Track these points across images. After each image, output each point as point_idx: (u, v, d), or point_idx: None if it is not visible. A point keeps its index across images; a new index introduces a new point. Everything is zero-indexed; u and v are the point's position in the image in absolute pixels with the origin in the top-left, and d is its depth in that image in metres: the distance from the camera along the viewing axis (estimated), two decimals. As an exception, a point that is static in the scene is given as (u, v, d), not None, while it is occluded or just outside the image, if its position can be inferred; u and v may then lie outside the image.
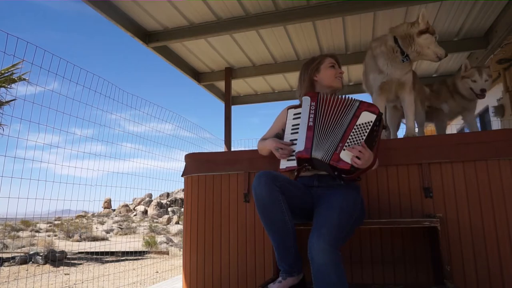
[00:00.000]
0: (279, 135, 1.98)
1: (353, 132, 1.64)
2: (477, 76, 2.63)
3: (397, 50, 2.20)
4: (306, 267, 2.09)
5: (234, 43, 3.72)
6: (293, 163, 1.74)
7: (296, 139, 1.75)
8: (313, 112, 1.73)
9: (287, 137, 1.83)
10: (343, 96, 1.75)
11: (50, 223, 17.40)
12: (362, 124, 1.65)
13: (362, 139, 1.63)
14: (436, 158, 2.00)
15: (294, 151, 1.74)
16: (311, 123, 1.71)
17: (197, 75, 4.50)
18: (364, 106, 1.69)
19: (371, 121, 1.66)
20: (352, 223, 1.60)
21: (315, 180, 1.79)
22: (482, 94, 2.62)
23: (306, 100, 1.78)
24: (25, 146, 3.19)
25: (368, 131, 1.65)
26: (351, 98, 1.74)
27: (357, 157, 1.59)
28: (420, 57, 2.21)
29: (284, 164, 1.79)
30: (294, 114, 1.85)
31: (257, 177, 1.60)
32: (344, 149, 1.61)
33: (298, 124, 1.77)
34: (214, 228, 2.32)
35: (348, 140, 1.63)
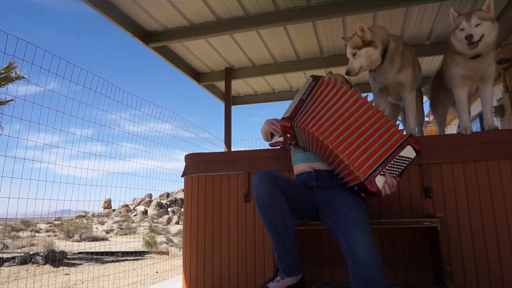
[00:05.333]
0: None
1: (394, 161, 1.61)
2: (464, 23, 2.03)
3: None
4: (306, 268, 2.09)
5: (234, 43, 3.72)
6: (281, 138, 1.75)
7: None
8: (310, 89, 1.73)
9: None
10: (361, 93, 1.71)
11: (50, 223, 17.39)
12: (403, 157, 1.63)
13: (398, 171, 1.62)
14: (436, 158, 2.00)
15: None
16: (304, 97, 1.71)
17: (197, 75, 4.50)
18: (411, 140, 1.65)
19: (411, 158, 1.64)
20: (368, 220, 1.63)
21: (313, 180, 1.79)
22: (470, 43, 1.97)
23: (308, 80, 1.79)
24: (25, 146, 3.19)
25: (405, 166, 1.64)
26: (392, 121, 1.68)
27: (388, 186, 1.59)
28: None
29: (274, 139, 1.80)
30: None
31: (257, 177, 1.60)
32: (380, 174, 1.58)
33: None
34: (214, 228, 2.32)
35: (387, 167, 1.59)
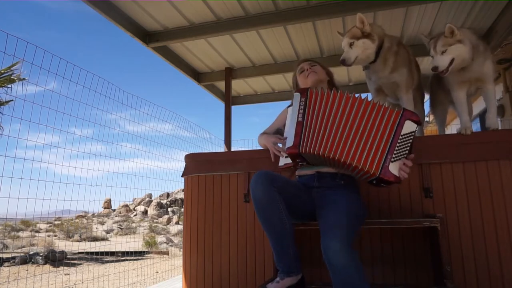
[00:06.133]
0: (280, 131, 2.00)
1: (399, 143, 1.59)
2: (432, 51, 2.04)
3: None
4: (306, 268, 2.09)
5: (234, 43, 3.72)
6: (290, 160, 1.74)
7: None
8: (302, 107, 1.71)
9: (285, 135, 1.84)
10: (349, 93, 1.69)
11: (50, 223, 17.40)
12: (406, 134, 1.60)
13: (407, 150, 1.60)
14: (436, 158, 1.99)
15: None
16: (300, 119, 1.69)
17: (197, 75, 4.50)
18: (408, 114, 1.62)
19: (413, 131, 1.61)
20: (358, 223, 1.62)
21: (315, 180, 1.79)
22: (439, 72, 2.01)
23: (296, 96, 1.77)
24: (25, 146, 3.19)
25: (411, 142, 1.61)
26: (383, 103, 1.66)
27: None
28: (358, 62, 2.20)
29: (282, 161, 1.79)
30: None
31: (254, 178, 1.60)
32: (392, 161, 1.56)
33: None
34: (214, 228, 2.32)
35: (395, 151, 1.57)
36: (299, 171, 1.89)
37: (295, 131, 1.67)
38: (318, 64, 2.05)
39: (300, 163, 1.74)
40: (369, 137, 1.59)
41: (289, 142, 1.67)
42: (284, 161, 1.78)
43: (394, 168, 1.56)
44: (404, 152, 1.60)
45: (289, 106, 1.93)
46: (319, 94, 1.71)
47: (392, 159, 1.56)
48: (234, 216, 2.28)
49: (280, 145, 1.90)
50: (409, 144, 1.61)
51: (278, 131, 2.03)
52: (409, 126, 1.60)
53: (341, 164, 1.62)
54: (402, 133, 1.59)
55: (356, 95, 1.67)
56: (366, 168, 1.56)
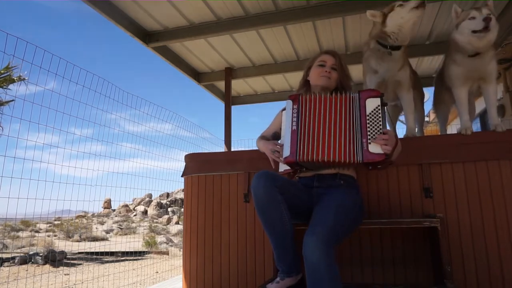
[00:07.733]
0: (277, 134, 2.01)
1: (368, 123, 1.61)
2: (475, 13, 1.97)
3: (379, 49, 2.15)
4: (306, 267, 2.09)
5: (234, 43, 3.72)
6: (287, 166, 1.75)
7: None
8: (295, 115, 1.71)
9: (281, 142, 1.85)
10: (332, 94, 1.72)
11: (50, 223, 17.40)
12: (372, 111, 1.63)
13: (380, 125, 1.62)
14: (436, 158, 1.99)
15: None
16: (294, 127, 1.70)
17: (197, 75, 4.50)
18: (365, 94, 1.66)
19: (378, 105, 1.64)
20: (349, 223, 1.61)
21: (315, 180, 1.79)
22: (485, 28, 1.90)
23: (289, 103, 1.77)
24: (24, 146, 3.19)
25: (380, 115, 1.63)
26: (347, 93, 1.71)
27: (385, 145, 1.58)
28: (405, 31, 2.08)
29: (281, 167, 1.81)
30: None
31: (256, 178, 1.60)
32: (370, 143, 1.59)
33: None
34: (214, 228, 2.32)
35: (368, 133, 1.60)
36: (299, 173, 1.90)
37: (290, 140, 1.68)
38: (340, 70, 1.91)
39: (299, 170, 1.76)
40: (346, 130, 1.63)
41: (286, 152, 1.69)
42: (283, 167, 1.80)
43: (375, 148, 1.58)
44: (378, 129, 1.61)
45: (283, 109, 1.92)
46: (308, 100, 1.73)
47: (369, 141, 1.59)
48: (234, 216, 2.28)
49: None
50: (380, 119, 1.63)
51: (275, 135, 2.04)
52: (371, 104, 1.64)
53: (333, 163, 1.65)
54: (367, 113, 1.62)
55: (333, 96, 1.71)
56: (351, 160, 1.59)
